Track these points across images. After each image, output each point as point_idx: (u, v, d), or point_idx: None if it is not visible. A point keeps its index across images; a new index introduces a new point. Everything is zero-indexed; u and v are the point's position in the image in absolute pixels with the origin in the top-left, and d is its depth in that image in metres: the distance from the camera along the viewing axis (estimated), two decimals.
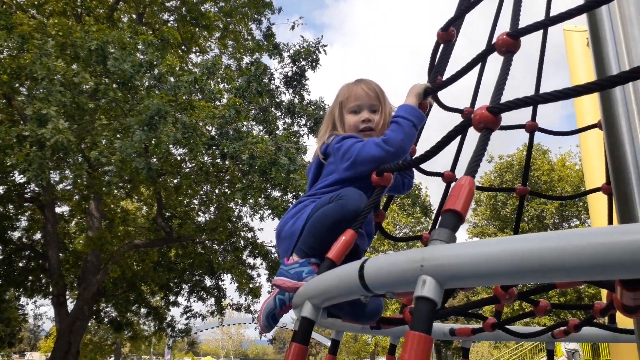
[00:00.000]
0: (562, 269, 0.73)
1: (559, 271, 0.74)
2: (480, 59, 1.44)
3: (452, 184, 2.51)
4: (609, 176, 2.58)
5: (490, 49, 1.33)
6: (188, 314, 11.95)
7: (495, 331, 2.37)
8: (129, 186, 10.40)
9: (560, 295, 22.25)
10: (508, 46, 1.27)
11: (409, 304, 2.15)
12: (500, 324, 2.16)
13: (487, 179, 27.63)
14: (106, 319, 12.19)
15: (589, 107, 9.78)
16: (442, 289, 0.85)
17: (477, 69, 2.34)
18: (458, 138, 2.33)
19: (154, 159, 7.67)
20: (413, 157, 1.91)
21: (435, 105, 2.23)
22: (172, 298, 12.00)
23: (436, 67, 1.83)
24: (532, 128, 2.55)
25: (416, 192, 10.77)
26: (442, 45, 1.88)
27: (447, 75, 1.73)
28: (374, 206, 1.72)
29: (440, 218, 1.00)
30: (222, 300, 12.12)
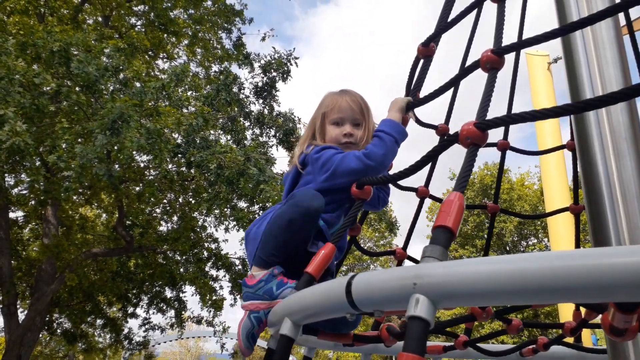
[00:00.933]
0: (562, 290, 0.71)
1: (558, 292, 0.72)
2: (463, 75, 1.44)
3: (431, 199, 2.51)
4: (576, 196, 2.65)
5: (474, 65, 1.33)
6: (147, 326, 11.57)
7: (466, 349, 2.38)
8: (89, 192, 10.05)
9: (518, 312, 22.75)
10: (492, 63, 1.27)
11: (383, 321, 2.13)
12: (471, 342, 2.16)
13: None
14: (59, 330, 11.66)
15: (550, 129, 10.15)
16: (435, 308, 0.82)
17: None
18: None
19: (117, 166, 7.45)
20: (391, 173, 1.89)
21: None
22: (130, 309, 11.60)
23: (416, 82, 1.83)
24: (504, 146, 2.58)
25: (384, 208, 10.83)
26: (422, 61, 1.88)
27: (426, 90, 1.74)
28: (352, 220, 1.69)
29: (431, 234, 0.97)
30: (183, 312, 11.81)
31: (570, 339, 2.26)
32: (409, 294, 0.83)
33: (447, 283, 0.80)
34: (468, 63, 1.41)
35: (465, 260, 0.85)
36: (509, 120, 1.10)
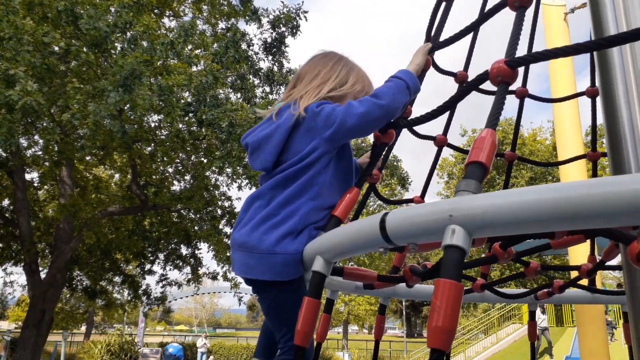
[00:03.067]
0: (601, 216, 0.73)
1: (595, 218, 0.74)
2: (485, 18, 1.43)
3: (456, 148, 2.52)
4: (594, 143, 2.64)
5: (499, 5, 1.31)
6: (164, 282, 11.91)
7: (483, 292, 2.44)
8: (101, 153, 10.14)
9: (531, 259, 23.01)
10: (522, 1, 1.26)
11: (400, 265, 2.18)
12: (489, 285, 2.21)
13: (460, 155, 28.03)
14: (80, 287, 12.04)
15: (566, 82, 9.98)
16: (471, 238, 0.85)
17: (470, 34, 2.34)
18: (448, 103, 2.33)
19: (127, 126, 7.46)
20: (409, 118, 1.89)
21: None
22: (147, 266, 11.91)
23: (437, 27, 1.81)
24: (522, 94, 2.56)
25: (394, 163, 10.84)
26: (443, 4, 1.86)
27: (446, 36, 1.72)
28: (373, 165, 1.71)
29: (465, 170, 0.99)
30: (199, 268, 12.10)
31: (585, 282, 2.32)
32: (444, 226, 0.86)
33: (484, 213, 0.82)
34: (489, 6, 1.39)
35: (499, 192, 0.87)
36: (539, 57, 1.10)
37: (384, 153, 1.74)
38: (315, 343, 1.78)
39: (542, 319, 16.00)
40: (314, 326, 1.19)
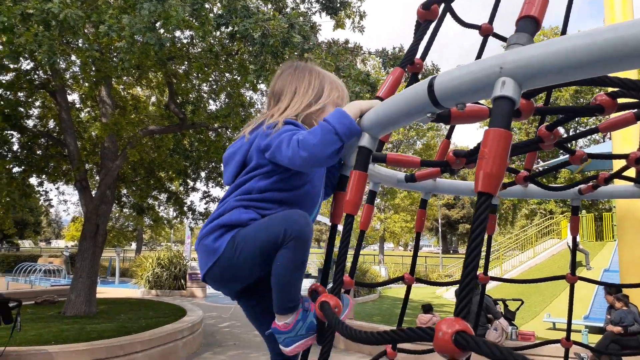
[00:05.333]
0: None
1: None
2: None
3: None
4: None
5: None
6: (207, 199, 12.37)
7: (527, 187, 2.44)
8: (137, 73, 10.23)
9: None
10: None
11: (442, 157, 2.18)
12: (532, 176, 2.20)
13: None
14: (128, 204, 12.68)
15: None
16: (521, 90, 0.84)
17: None
18: None
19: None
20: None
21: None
22: (190, 184, 12.35)
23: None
24: None
25: (435, 72, 10.50)
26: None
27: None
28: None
29: (516, 25, 0.96)
30: None
31: (632, 173, 2.27)
32: (494, 79, 0.86)
33: (534, 61, 0.81)
34: None
35: (548, 40, 0.85)
36: None
37: (426, 37, 1.69)
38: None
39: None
40: (361, 197, 1.23)
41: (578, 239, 16.50)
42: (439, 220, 41.12)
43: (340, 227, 1.41)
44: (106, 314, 9.11)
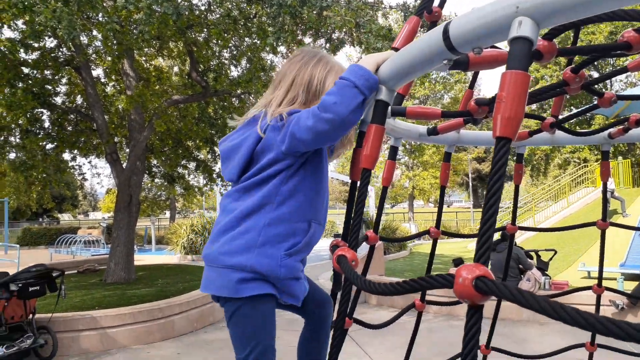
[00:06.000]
0: None
1: None
2: None
3: None
4: None
5: None
6: None
7: (554, 134, 2.37)
8: (157, 43, 10.24)
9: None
10: None
11: (466, 104, 2.14)
12: (559, 122, 2.14)
13: None
14: (159, 174, 12.95)
15: None
16: (538, 29, 0.81)
17: None
18: None
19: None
20: None
21: None
22: (217, 151, 12.49)
23: None
24: None
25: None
26: None
27: None
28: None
29: None
30: None
31: None
32: (510, 19, 0.83)
33: None
34: None
35: None
36: None
37: None
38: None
39: (610, 181, 15.63)
40: (379, 151, 1.23)
41: (614, 185, 16.09)
42: (470, 175, 40.66)
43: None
44: (145, 279, 9.47)
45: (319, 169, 1.64)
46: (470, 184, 42.26)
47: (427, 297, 2.50)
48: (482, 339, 2.85)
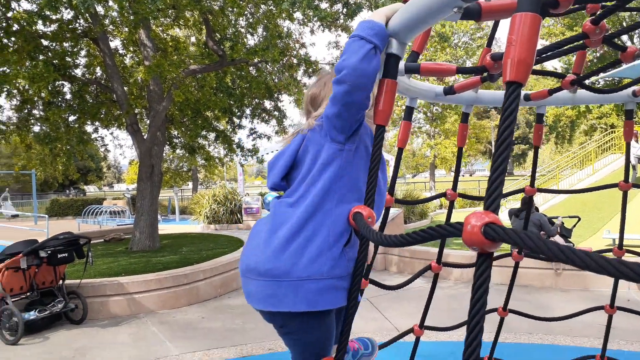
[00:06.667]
0: None
1: None
2: None
3: None
4: None
5: None
6: (254, 136, 12.55)
7: (575, 93, 2.31)
8: (173, 13, 10.19)
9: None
10: None
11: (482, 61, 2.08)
12: (580, 79, 2.08)
13: None
14: (179, 145, 13.07)
15: None
16: None
17: None
18: None
19: None
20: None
21: None
22: (236, 122, 12.52)
23: None
24: None
25: None
26: None
27: None
28: None
29: None
30: (283, 120, 12.53)
31: None
32: None
33: None
34: None
35: None
36: None
37: None
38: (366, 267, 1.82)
39: (637, 147, 15.18)
40: (392, 107, 1.21)
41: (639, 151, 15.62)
42: (492, 143, 40.06)
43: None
44: (169, 247, 9.69)
45: (366, 158, 1.55)
46: (493, 152, 41.65)
47: (446, 261, 2.49)
48: (500, 302, 2.86)
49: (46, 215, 15.13)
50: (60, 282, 6.20)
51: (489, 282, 0.73)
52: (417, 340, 2.52)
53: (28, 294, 5.94)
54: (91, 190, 54.71)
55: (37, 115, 10.73)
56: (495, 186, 0.78)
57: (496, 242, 0.72)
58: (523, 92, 2.31)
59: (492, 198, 0.77)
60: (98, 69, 11.24)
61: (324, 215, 1.42)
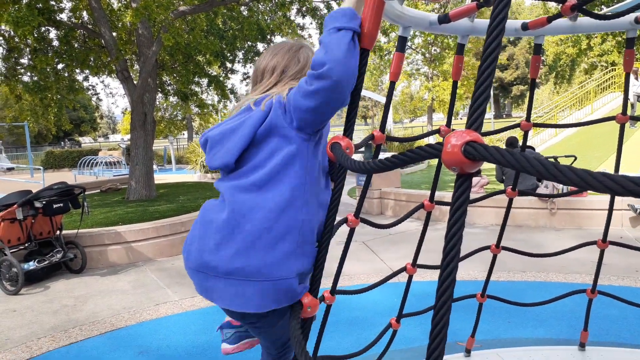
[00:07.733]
0: None
1: None
2: None
3: None
4: None
5: None
6: (247, 80, 12.31)
7: (575, 21, 2.20)
8: None
9: None
10: None
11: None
12: (580, 4, 1.96)
13: None
14: (171, 91, 12.84)
15: None
16: None
17: None
18: None
19: None
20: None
21: None
22: (228, 66, 12.24)
23: None
24: None
25: None
26: None
27: None
28: None
29: None
30: None
31: None
32: None
33: None
34: None
35: None
36: None
37: None
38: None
39: (637, 85, 14.93)
40: (377, 29, 1.13)
41: (638, 89, 15.40)
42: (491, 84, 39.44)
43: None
44: (166, 196, 9.71)
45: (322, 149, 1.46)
46: (492, 93, 41.17)
47: (439, 200, 2.45)
48: (493, 240, 2.86)
49: (41, 167, 15.09)
50: (58, 232, 6.23)
51: (468, 203, 0.68)
52: (410, 278, 2.53)
53: (26, 244, 5.98)
54: (86, 141, 54.44)
55: (26, 64, 10.45)
56: (479, 103, 0.72)
57: (476, 162, 0.67)
58: (520, 21, 2.20)
59: (475, 115, 0.71)
60: (85, 13, 10.85)
61: (295, 213, 1.33)
